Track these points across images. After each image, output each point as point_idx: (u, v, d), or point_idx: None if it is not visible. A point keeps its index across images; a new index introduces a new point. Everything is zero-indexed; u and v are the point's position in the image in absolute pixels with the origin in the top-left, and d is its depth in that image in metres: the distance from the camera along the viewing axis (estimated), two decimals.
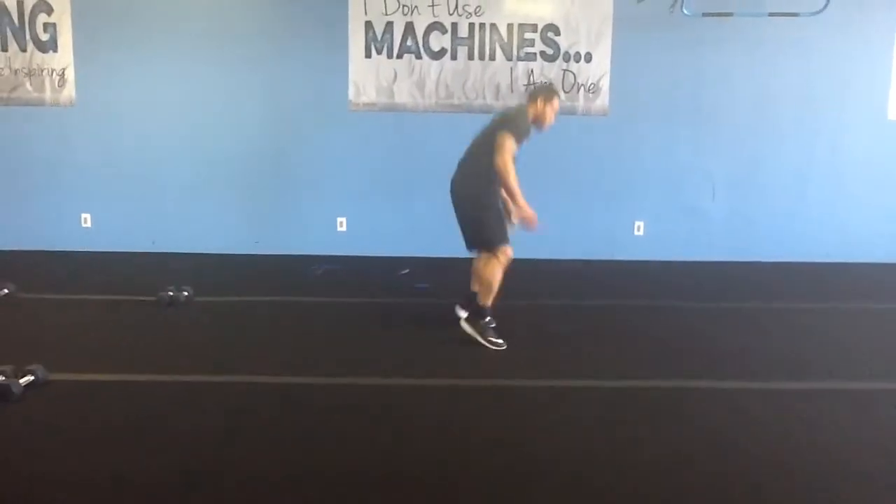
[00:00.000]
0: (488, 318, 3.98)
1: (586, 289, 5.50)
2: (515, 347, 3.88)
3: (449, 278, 5.49)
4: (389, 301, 4.94)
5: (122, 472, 2.44)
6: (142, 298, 4.76)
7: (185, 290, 4.77)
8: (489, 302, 3.99)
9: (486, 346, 3.89)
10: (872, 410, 3.07)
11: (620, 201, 6.61)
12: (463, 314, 4.15)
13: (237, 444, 2.67)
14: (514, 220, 4.08)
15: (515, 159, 3.93)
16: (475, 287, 4.12)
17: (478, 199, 3.97)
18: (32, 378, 3.11)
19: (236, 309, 4.71)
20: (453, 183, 4.11)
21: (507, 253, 3.97)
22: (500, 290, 3.99)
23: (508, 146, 3.83)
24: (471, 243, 4.07)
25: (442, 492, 2.35)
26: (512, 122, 3.93)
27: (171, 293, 4.69)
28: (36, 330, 4.18)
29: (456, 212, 4.09)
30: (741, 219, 6.62)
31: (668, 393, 3.26)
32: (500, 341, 3.92)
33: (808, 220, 6.60)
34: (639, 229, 6.66)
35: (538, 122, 4.07)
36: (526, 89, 4.16)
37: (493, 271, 3.94)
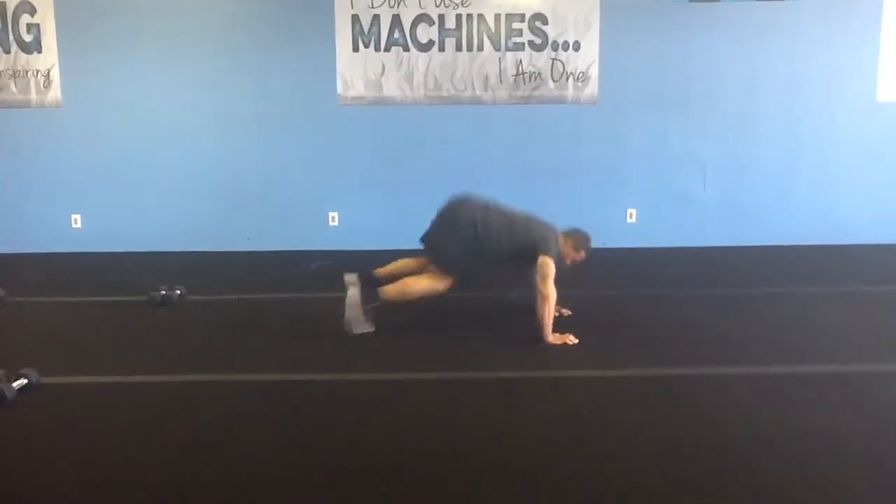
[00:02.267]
0: (372, 305, 3.93)
1: (578, 277, 5.49)
2: (505, 339, 3.87)
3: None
4: None
5: (117, 474, 2.42)
6: (134, 299, 4.74)
7: (178, 290, 4.75)
8: (388, 297, 3.94)
9: (348, 323, 3.87)
10: (865, 393, 3.08)
11: (612, 189, 6.61)
12: (353, 278, 3.99)
13: (234, 444, 2.66)
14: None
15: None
16: (391, 283, 4.00)
17: (458, 248, 3.97)
18: (25, 382, 3.09)
19: (230, 307, 4.69)
20: (428, 237, 4.10)
21: (447, 286, 3.96)
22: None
23: (552, 270, 3.79)
24: (433, 256, 4.05)
25: (441, 485, 2.34)
26: (552, 247, 3.89)
27: (163, 292, 4.66)
28: (28, 333, 4.15)
29: (436, 227, 4.10)
30: (732, 204, 6.63)
31: (661, 380, 3.26)
32: (371, 327, 3.91)
33: (798, 203, 6.62)
34: (631, 216, 6.67)
35: (561, 257, 4.04)
36: (567, 232, 4.11)
37: (422, 288, 3.93)
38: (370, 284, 3.99)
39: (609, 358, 3.60)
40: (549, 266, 3.79)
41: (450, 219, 4.05)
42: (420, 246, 4.14)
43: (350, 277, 4.00)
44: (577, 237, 4.13)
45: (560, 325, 4.11)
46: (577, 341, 3.75)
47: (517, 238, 3.92)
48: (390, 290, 3.97)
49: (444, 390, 3.19)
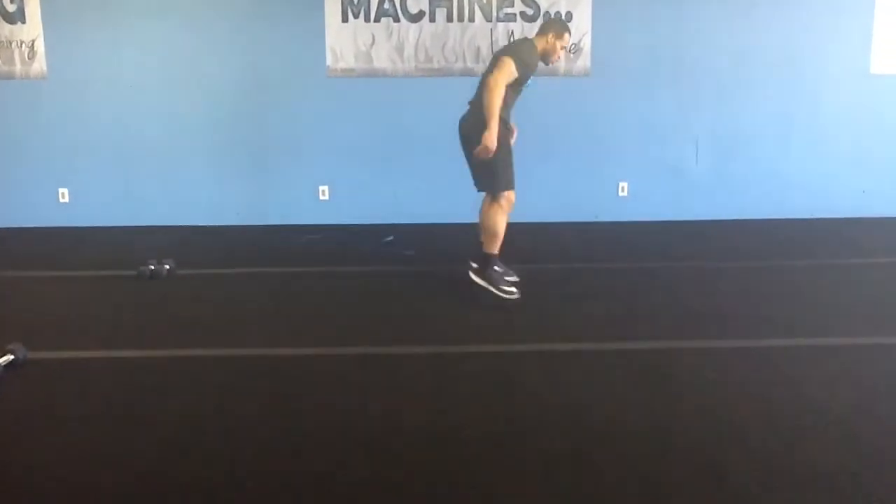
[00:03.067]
0: (497, 268, 3.97)
1: (571, 251, 5.49)
2: (500, 313, 3.86)
3: (433, 244, 5.48)
4: (375, 269, 4.91)
5: (106, 450, 2.41)
6: (123, 273, 4.70)
7: (167, 264, 4.71)
8: (495, 249, 3.97)
9: (499, 296, 3.89)
10: (857, 366, 3.09)
11: (604, 162, 6.58)
12: (474, 265, 4.05)
13: (223, 418, 2.65)
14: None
15: (518, 92, 3.91)
16: (481, 236, 4.04)
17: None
18: (12, 357, 3.06)
19: (219, 281, 4.67)
20: (461, 121, 4.06)
21: (510, 199, 3.96)
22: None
23: (507, 68, 3.75)
24: (477, 184, 4.06)
25: (435, 463, 2.34)
26: (517, 49, 3.88)
27: (152, 267, 4.63)
28: (15, 308, 4.12)
29: (463, 151, 4.05)
30: (724, 177, 6.61)
31: (655, 353, 3.27)
32: (514, 289, 3.92)
33: (792, 176, 6.60)
34: (623, 190, 6.64)
35: (546, 55, 4.03)
36: (539, 31, 4.06)
37: (496, 217, 3.93)
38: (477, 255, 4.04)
39: (600, 331, 3.60)
40: (501, 62, 3.75)
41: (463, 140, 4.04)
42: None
43: (471, 263, 4.05)
44: (551, 25, 4.08)
45: (555, 299, 4.11)
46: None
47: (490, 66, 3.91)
48: (482, 237, 4.01)
49: (437, 363, 3.18)
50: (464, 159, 4.08)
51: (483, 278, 3.95)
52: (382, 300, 4.16)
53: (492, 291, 3.91)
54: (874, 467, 2.25)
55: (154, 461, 2.33)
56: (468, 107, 4.07)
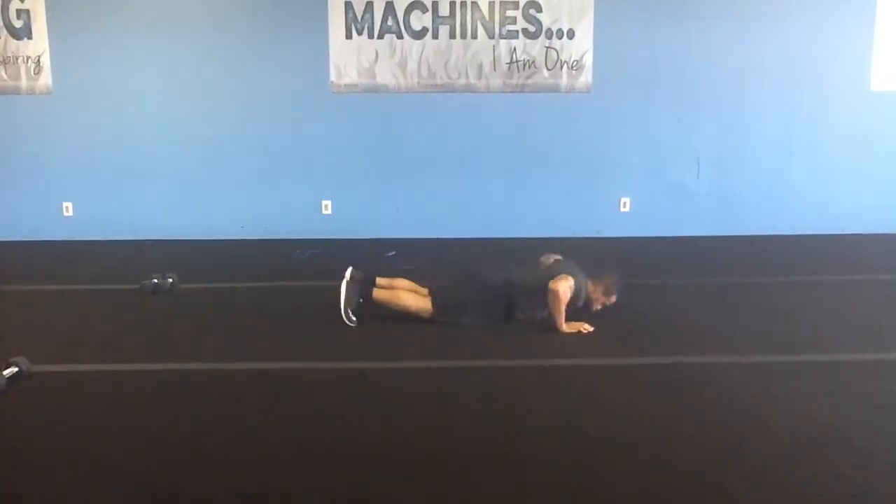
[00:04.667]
0: (362, 300, 4.01)
1: None
2: (496, 328, 3.87)
3: (434, 259, 5.48)
4: None
5: (109, 462, 2.42)
6: (126, 287, 4.72)
7: (170, 278, 4.73)
8: (376, 299, 4.03)
9: (340, 313, 3.91)
10: (861, 382, 3.09)
11: (606, 178, 6.60)
12: (349, 276, 4.06)
13: (225, 432, 2.66)
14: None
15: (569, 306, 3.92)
16: (391, 293, 4.08)
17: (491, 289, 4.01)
18: (16, 370, 3.08)
19: (222, 295, 4.68)
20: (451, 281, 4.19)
21: (429, 313, 4.00)
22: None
23: (564, 284, 3.79)
24: (438, 300, 4.05)
25: (434, 477, 2.34)
26: (577, 275, 3.92)
27: (155, 281, 4.64)
28: (18, 321, 4.14)
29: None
30: (725, 193, 6.63)
31: (655, 368, 3.27)
32: (354, 319, 3.95)
33: (792, 193, 6.62)
34: (624, 205, 6.66)
35: (589, 300, 4.03)
36: (597, 278, 4.09)
37: (411, 305, 4.00)
38: (367, 284, 4.08)
39: (602, 347, 3.60)
40: (562, 279, 3.80)
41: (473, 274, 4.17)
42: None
43: (352, 272, 4.08)
44: (608, 281, 4.08)
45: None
46: (591, 329, 3.80)
47: (542, 274, 3.97)
48: (381, 294, 4.06)
49: (436, 377, 3.19)
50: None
51: (348, 291, 3.97)
52: (383, 315, 4.16)
53: (340, 302, 3.93)
54: (875, 483, 2.25)
55: (155, 474, 2.34)
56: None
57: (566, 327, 3.80)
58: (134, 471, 2.36)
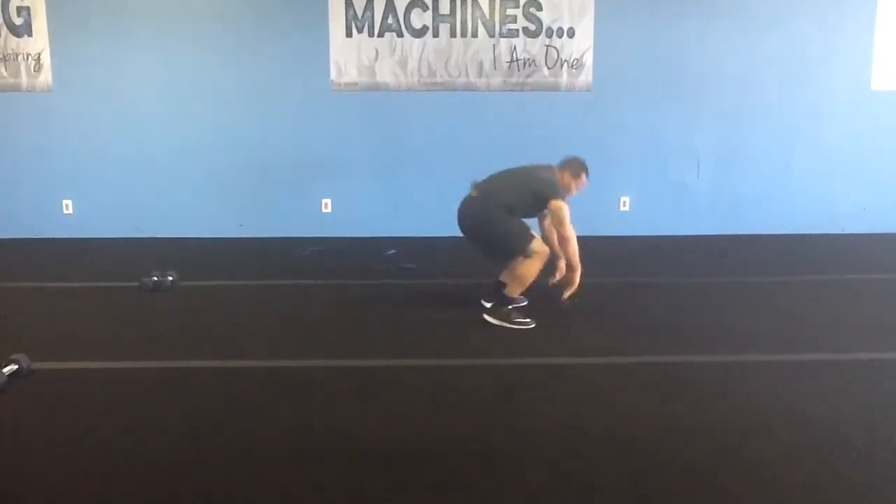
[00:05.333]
0: (511, 306, 3.95)
1: None
2: (501, 328, 3.87)
3: (435, 258, 5.49)
4: (377, 282, 4.92)
5: (108, 460, 2.42)
6: (125, 284, 4.72)
7: (170, 276, 4.73)
8: (518, 293, 3.95)
9: (516, 328, 3.84)
10: (860, 381, 3.09)
11: (606, 177, 6.58)
12: (487, 305, 4.03)
13: (226, 430, 2.65)
14: (557, 277, 4.16)
15: (539, 211, 4.03)
16: (505, 277, 3.99)
17: (490, 220, 3.91)
18: (16, 367, 3.08)
19: (222, 293, 4.68)
20: (463, 215, 4.03)
21: (542, 247, 3.90)
22: (491, 273, 3.98)
23: (567, 212, 3.85)
24: (504, 259, 4.00)
25: (434, 476, 2.34)
26: (557, 188, 3.91)
27: (155, 279, 4.64)
28: (18, 319, 4.14)
29: (472, 240, 4.06)
30: (726, 192, 6.64)
31: (655, 368, 3.27)
32: (528, 320, 3.89)
33: (793, 192, 6.63)
34: (624, 205, 6.66)
35: (565, 190, 4.03)
36: (561, 165, 4.12)
37: (533, 267, 3.88)
38: (495, 289, 4.03)
39: (602, 346, 3.60)
40: (563, 210, 3.84)
41: (466, 222, 4.04)
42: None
43: (483, 302, 4.08)
44: (573, 165, 4.11)
45: (555, 313, 4.11)
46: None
47: (524, 192, 3.92)
48: (506, 279, 3.98)
49: (437, 375, 3.19)
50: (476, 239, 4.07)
51: (497, 317, 3.92)
52: (384, 313, 4.16)
53: (507, 327, 3.88)
54: (876, 482, 2.25)
55: (156, 472, 2.34)
56: (468, 202, 4.03)
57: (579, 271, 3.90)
58: (134, 468, 2.36)
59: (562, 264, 4.12)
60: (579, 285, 3.95)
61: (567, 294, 3.98)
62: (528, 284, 3.93)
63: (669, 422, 2.70)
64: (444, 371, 3.27)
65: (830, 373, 3.18)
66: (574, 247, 3.88)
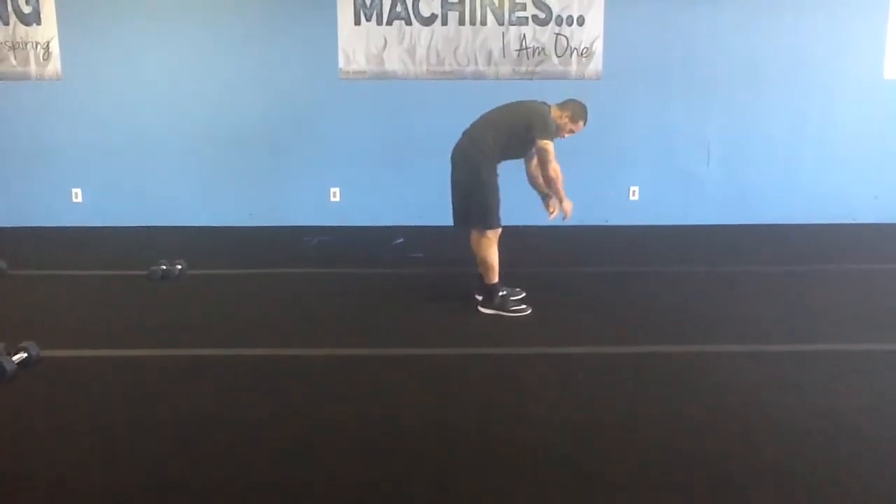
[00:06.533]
0: (501, 293, 3.93)
1: (581, 255, 5.49)
2: (508, 317, 3.86)
3: (442, 247, 5.48)
4: (384, 271, 4.92)
5: (116, 448, 2.43)
6: (135, 273, 4.73)
7: (178, 264, 4.74)
8: (495, 278, 3.92)
9: (513, 316, 3.86)
10: (866, 372, 3.07)
11: (615, 166, 6.57)
12: (479, 297, 4.03)
13: (233, 418, 2.66)
14: (553, 211, 4.15)
15: (526, 150, 4.04)
16: (479, 269, 3.99)
17: (479, 174, 3.86)
18: (25, 355, 3.09)
19: (230, 282, 4.69)
20: (457, 151, 4.00)
21: (496, 233, 3.91)
22: (502, 261, 3.95)
23: (553, 152, 3.84)
24: (463, 220, 3.97)
25: (440, 466, 2.34)
26: (547, 125, 3.87)
27: (163, 267, 4.65)
28: (28, 307, 4.15)
29: (454, 184, 4.00)
30: (736, 181, 6.59)
31: (662, 357, 3.26)
32: (524, 306, 3.91)
33: (803, 181, 6.58)
34: (634, 194, 6.63)
35: (557, 130, 4.00)
36: (561, 104, 4.10)
37: (489, 250, 3.88)
38: (480, 283, 4.01)
39: (610, 335, 3.60)
40: (549, 150, 3.83)
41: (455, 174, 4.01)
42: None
43: (476, 296, 4.04)
44: (574, 108, 4.07)
45: (565, 302, 4.10)
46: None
47: (518, 125, 3.91)
48: (481, 272, 3.96)
49: (444, 364, 3.18)
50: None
51: (491, 307, 3.92)
52: (391, 302, 4.16)
53: (503, 315, 3.88)
54: (886, 473, 2.24)
55: (164, 460, 2.35)
56: (464, 138, 4.01)
57: (568, 200, 4.00)
58: (142, 456, 2.37)
59: (552, 200, 4.13)
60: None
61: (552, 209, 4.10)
62: (495, 266, 3.90)
63: (677, 411, 2.69)
64: (452, 360, 3.26)
65: (841, 363, 3.16)
66: (561, 183, 3.90)
